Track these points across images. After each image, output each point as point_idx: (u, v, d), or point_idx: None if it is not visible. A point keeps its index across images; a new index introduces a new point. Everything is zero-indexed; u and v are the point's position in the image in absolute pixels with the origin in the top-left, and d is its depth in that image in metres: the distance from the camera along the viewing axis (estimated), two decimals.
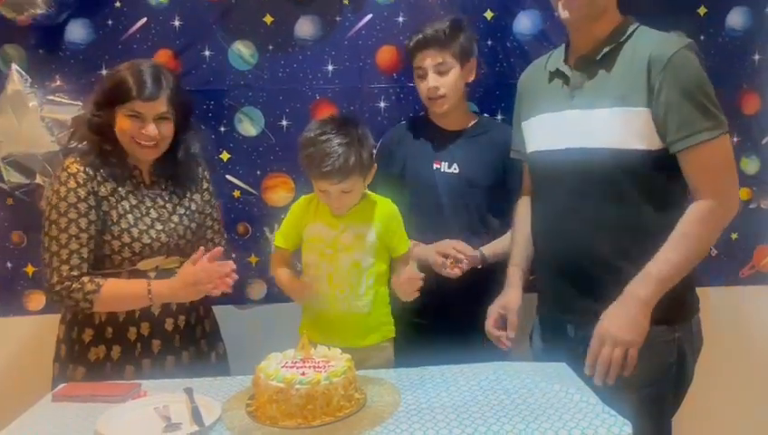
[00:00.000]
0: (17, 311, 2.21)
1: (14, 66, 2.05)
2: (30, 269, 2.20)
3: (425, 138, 1.97)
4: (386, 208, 1.73)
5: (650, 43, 1.50)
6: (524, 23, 2.16)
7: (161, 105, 1.64)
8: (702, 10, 2.17)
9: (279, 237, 1.78)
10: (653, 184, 1.50)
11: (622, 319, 1.45)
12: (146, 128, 1.63)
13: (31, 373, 1.95)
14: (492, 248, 1.90)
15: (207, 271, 1.61)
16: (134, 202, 1.70)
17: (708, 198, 1.46)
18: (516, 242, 1.82)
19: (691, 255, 1.47)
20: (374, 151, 1.74)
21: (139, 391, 1.47)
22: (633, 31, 1.55)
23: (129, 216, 1.68)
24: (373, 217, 1.70)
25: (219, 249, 1.66)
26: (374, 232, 1.70)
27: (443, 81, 1.87)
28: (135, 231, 1.67)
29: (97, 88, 1.71)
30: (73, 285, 1.60)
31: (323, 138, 1.62)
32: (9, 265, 2.21)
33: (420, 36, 1.86)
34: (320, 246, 1.71)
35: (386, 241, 1.72)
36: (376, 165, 1.72)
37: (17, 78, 2.03)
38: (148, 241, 1.68)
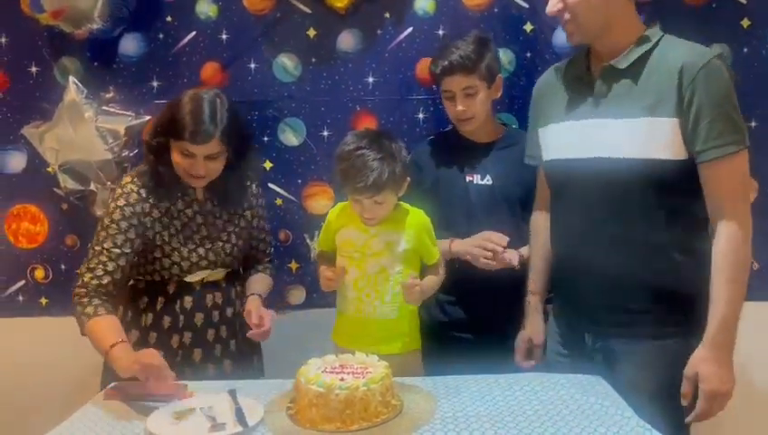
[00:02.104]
0: (70, 311, 2.30)
1: (72, 78, 2.16)
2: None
3: (456, 152, 1.98)
4: (417, 218, 1.77)
5: (681, 53, 1.49)
6: (564, 35, 2.13)
7: (212, 147, 1.66)
8: (745, 22, 2.15)
9: (320, 241, 1.88)
10: (678, 194, 1.50)
11: (722, 372, 1.46)
12: (195, 166, 1.68)
13: (84, 372, 2.04)
14: (526, 249, 1.88)
15: (149, 371, 1.47)
16: (186, 220, 1.76)
17: (730, 220, 1.46)
18: (534, 266, 1.81)
19: (744, 280, 1.48)
20: (407, 163, 1.77)
21: (186, 392, 1.53)
22: (659, 40, 1.53)
23: (181, 235, 1.75)
24: (404, 226, 1.74)
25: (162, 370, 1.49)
26: (404, 240, 1.73)
27: (471, 102, 1.88)
28: (185, 250, 1.74)
29: (158, 114, 1.76)
30: (83, 299, 1.64)
31: (358, 153, 1.66)
32: (63, 267, 2.32)
33: (447, 62, 1.85)
34: (349, 250, 1.76)
35: (416, 250, 1.76)
36: (409, 178, 1.75)
37: (74, 89, 2.14)
38: (196, 259, 1.75)
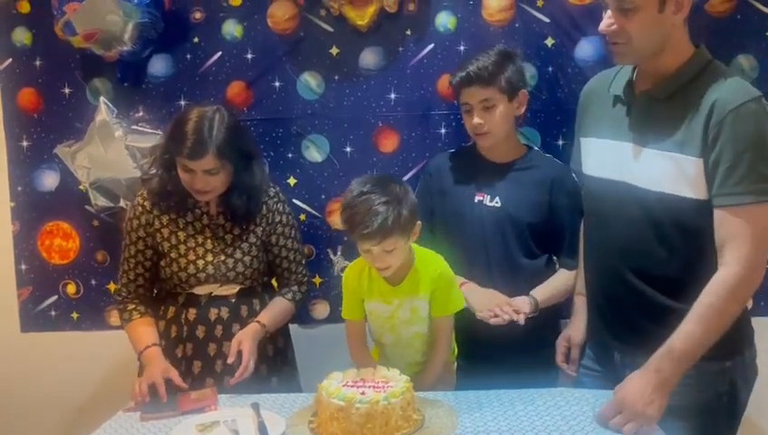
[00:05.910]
0: (100, 326, 2.37)
1: (102, 98, 2.21)
2: (112, 287, 2.34)
3: (469, 169, 1.93)
4: (432, 272, 1.68)
5: (717, 90, 1.40)
6: (586, 49, 2.16)
7: (207, 163, 1.68)
8: None
9: (345, 311, 1.78)
10: (699, 232, 1.43)
11: (643, 392, 1.37)
12: (195, 180, 1.71)
13: (113, 386, 2.09)
14: (542, 292, 1.82)
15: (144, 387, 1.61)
16: (191, 232, 1.81)
17: (735, 267, 1.36)
18: (581, 268, 1.79)
19: (716, 329, 1.38)
20: (415, 207, 1.66)
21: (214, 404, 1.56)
22: (703, 69, 1.46)
23: (182, 246, 1.80)
24: (422, 289, 1.68)
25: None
26: (426, 303, 1.69)
27: (488, 117, 1.82)
28: (183, 261, 1.78)
29: (166, 131, 1.82)
30: (120, 305, 1.86)
31: (362, 198, 1.59)
32: (93, 282, 2.37)
33: (464, 73, 1.81)
34: (380, 320, 1.74)
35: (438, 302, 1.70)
36: (419, 223, 1.66)
37: (105, 109, 2.19)
38: (194, 271, 1.78)
